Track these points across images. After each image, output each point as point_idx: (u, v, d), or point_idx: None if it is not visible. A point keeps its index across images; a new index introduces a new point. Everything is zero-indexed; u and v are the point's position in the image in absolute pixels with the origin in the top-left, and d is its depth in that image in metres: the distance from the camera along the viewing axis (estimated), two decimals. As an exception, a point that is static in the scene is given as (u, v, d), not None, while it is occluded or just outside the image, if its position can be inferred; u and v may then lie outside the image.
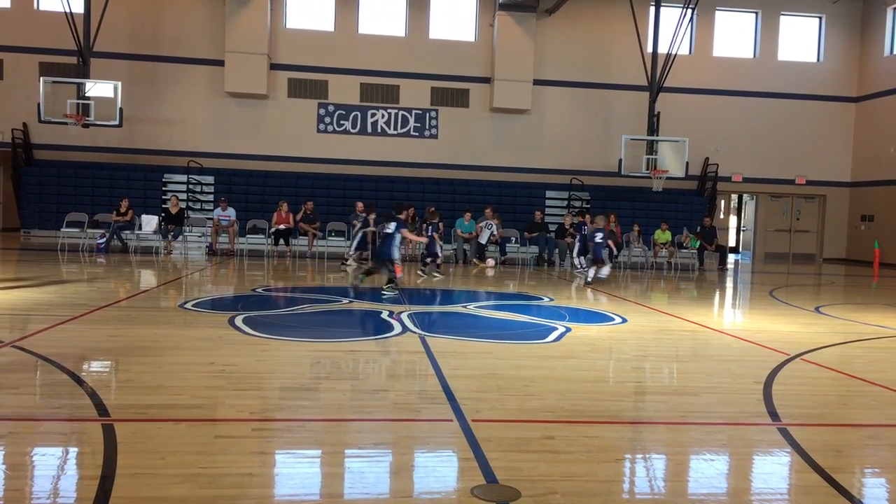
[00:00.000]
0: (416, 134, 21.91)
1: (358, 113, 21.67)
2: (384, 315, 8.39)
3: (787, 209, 24.02)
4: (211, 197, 19.57)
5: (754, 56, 23.46)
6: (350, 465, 3.59)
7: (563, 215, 19.38)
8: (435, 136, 21.92)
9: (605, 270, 12.91)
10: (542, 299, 10.69)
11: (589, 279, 12.73)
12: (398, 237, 10.37)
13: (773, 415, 4.68)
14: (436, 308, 9.88)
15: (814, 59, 23.75)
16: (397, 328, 7.49)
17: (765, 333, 8.14)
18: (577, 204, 20.93)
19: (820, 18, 23.66)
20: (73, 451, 3.68)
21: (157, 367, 5.39)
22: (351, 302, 9.53)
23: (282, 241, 17.08)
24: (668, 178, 20.30)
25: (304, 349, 6.32)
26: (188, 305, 8.61)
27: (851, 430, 4.52)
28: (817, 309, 10.69)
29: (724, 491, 3.49)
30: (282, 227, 17.08)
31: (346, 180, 20.72)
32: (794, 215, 24.02)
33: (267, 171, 20.78)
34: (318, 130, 21.52)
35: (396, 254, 10.31)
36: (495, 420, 4.34)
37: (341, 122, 21.63)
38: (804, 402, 5.15)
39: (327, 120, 21.56)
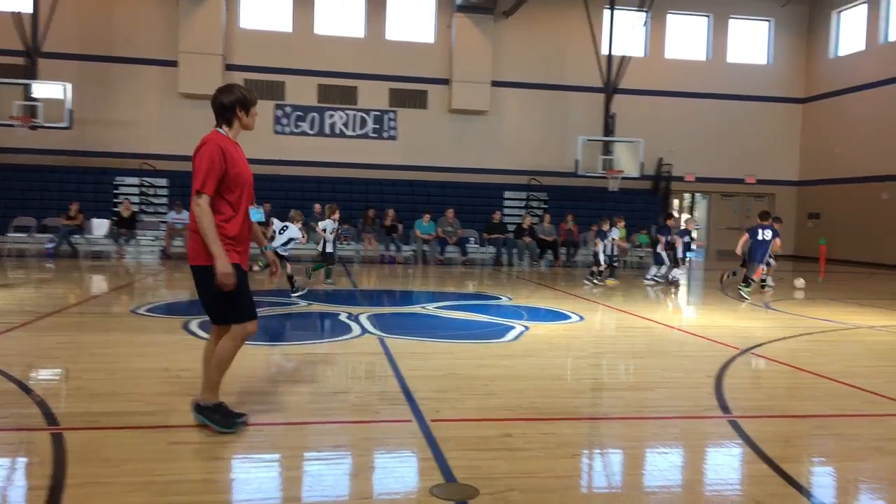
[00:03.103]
0: (375, 135, 21.84)
1: (316, 114, 21.50)
2: (342, 317, 8.35)
3: (738, 207, 24.61)
4: (165, 200, 19.19)
5: (706, 58, 24.00)
6: (309, 468, 3.57)
7: (521, 216, 19.54)
8: (394, 138, 21.88)
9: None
10: (500, 299, 10.76)
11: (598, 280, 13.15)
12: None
13: (725, 408, 4.80)
14: (395, 309, 9.87)
15: (763, 61, 24.40)
16: (356, 330, 7.46)
17: (717, 329, 8.34)
18: (535, 204, 21.12)
19: (769, 22, 24.32)
20: (21, 461, 3.58)
21: (109, 374, 5.28)
22: (309, 305, 9.46)
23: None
24: (623, 178, 20.63)
25: (261, 353, 6.25)
26: (141, 310, 8.44)
27: (799, 421, 4.66)
28: (766, 305, 10.99)
29: (679, 483, 3.57)
30: (238, 229, 16.82)
31: (303, 182, 20.53)
32: (744, 213, 24.63)
33: (223, 173, 20.44)
34: (276, 132, 21.28)
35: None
36: (454, 419, 4.36)
37: (299, 123, 21.43)
38: (754, 394, 5.30)
39: (284, 121, 21.34)
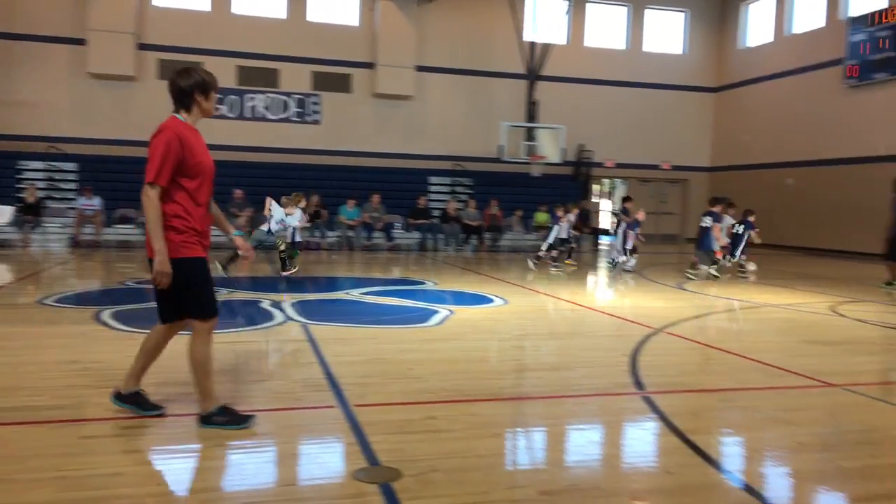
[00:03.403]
0: (298, 119, 21.43)
1: (235, 97, 20.90)
2: (265, 304, 8.21)
3: (654, 193, 25.49)
4: (74, 185, 18.28)
5: (625, 48, 24.63)
6: (230, 457, 3.51)
7: (446, 201, 19.63)
8: (317, 122, 21.52)
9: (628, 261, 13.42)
10: (425, 284, 10.81)
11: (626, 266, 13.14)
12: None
13: (639, 384, 5.00)
14: (319, 296, 9.78)
15: (679, 51, 25.24)
16: (279, 317, 7.36)
17: (633, 309, 8.66)
18: (460, 189, 21.26)
19: (684, 13, 25.16)
20: (-83, 462, 3.37)
21: (12, 367, 5.03)
22: (231, 292, 9.25)
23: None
24: (545, 164, 21.02)
25: (179, 342, 6.06)
26: (48, 301, 8.05)
27: (707, 395, 4.91)
28: (679, 285, 11.46)
29: (596, 457, 3.71)
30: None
31: (223, 167, 19.64)
32: (660, 198, 25.54)
33: (137, 157, 19.62)
34: (193, 115, 20.59)
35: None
36: (379, 404, 4.37)
37: (217, 106, 20.70)
38: (666, 371, 5.53)
39: (202, 104, 20.65)
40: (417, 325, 7.17)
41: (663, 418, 4.25)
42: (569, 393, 4.83)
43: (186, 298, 3.77)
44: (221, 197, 17.91)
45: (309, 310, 8.01)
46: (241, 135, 20.85)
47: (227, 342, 6.18)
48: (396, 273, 12.85)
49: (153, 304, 3.99)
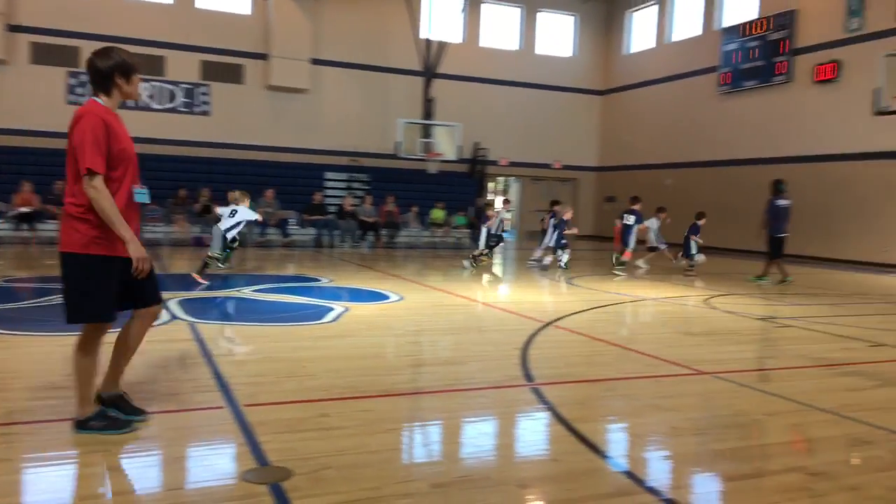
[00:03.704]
0: (186, 110, 20.59)
1: (117, 84, 19.78)
2: (150, 303, 7.84)
3: (546, 191, 26.30)
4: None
5: (518, 48, 25.24)
6: (110, 463, 3.35)
7: (342, 197, 19.45)
8: (207, 113, 20.76)
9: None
10: (320, 280, 10.69)
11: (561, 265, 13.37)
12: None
13: (529, 377, 5.17)
14: (208, 294, 9.45)
15: (568, 53, 26.15)
16: (164, 316, 7.05)
17: (525, 304, 8.92)
18: (357, 185, 21.11)
19: (573, 17, 26.08)
20: None
21: None
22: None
23: (25, 226, 15.20)
24: (442, 161, 21.23)
25: (53, 344, 5.72)
26: None
27: (592, 385, 5.14)
28: (569, 281, 11.91)
29: (487, 448, 3.81)
30: (25, 209, 15.21)
31: (104, 158, 18.87)
32: (551, 197, 26.36)
33: (7, 146, 18.25)
34: (69, 102, 19.32)
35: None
36: (270, 403, 4.30)
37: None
38: (555, 363, 5.75)
39: (79, 90, 19.43)
40: (312, 323, 7.08)
41: (551, 408, 4.42)
42: (462, 387, 4.93)
43: (73, 297, 3.53)
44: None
45: (197, 308, 7.73)
46: (125, 125, 19.77)
47: (109, 343, 5.87)
48: (291, 270, 12.62)
49: (26, 304, 3.74)
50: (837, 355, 6.37)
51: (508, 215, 13.72)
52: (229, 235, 10.38)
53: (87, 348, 3.66)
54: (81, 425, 3.63)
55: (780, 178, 12.69)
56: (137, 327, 3.83)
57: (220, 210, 10.75)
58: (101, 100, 3.59)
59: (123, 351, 3.86)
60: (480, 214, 18.94)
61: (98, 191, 3.37)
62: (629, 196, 14.46)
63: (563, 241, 13.46)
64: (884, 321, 9.12)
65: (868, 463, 3.69)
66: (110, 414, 3.71)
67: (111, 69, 3.56)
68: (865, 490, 3.27)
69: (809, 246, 14.10)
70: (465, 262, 13.22)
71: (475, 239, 14.42)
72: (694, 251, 13.62)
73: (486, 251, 13.74)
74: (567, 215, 13.77)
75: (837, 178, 17.75)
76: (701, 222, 13.81)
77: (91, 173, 3.36)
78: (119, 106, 3.69)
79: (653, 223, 14.42)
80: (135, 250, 3.45)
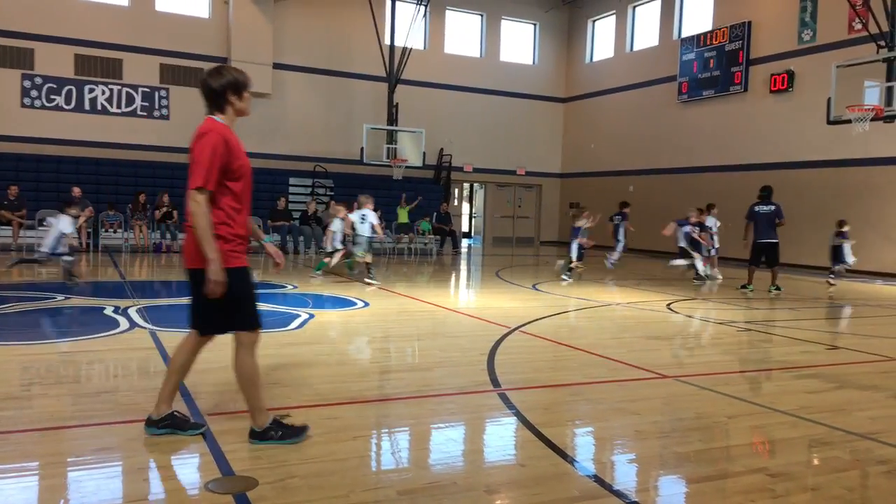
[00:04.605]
0: (144, 113, 20.20)
1: (73, 87, 19.34)
2: (108, 311, 7.68)
3: (511, 197, 26.50)
4: None
5: (481, 56, 25.39)
6: (70, 475, 3.26)
7: (306, 202, 19.29)
8: (166, 117, 20.40)
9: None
10: (285, 287, 10.58)
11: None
12: None
13: (495, 382, 5.19)
14: (169, 301, 9.28)
15: (530, 61, 26.39)
16: (124, 324, 6.91)
17: (491, 310, 8.94)
18: (321, 191, 20.96)
19: (535, 25, 26.34)
20: None
21: None
22: (67, 298, 8.56)
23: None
24: (406, 167, 21.21)
25: (8, 354, 5.55)
26: None
27: (558, 390, 5.18)
28: (534, 286, 11.99)
29: (455, 455, 3.80)
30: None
31: (59, 162, 18.40)
32: (516, 203, 26.58)
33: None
34: (24, 105, 18.81)
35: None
36: (234, 412, 4.22)
37: (52, 96, 19.12)
38: (521, 368, 5.78)
39: (34, 93, 18.92)
40: (276, 330, 6.99)
41: (517, 413, 4.43)
42: (429, 393, 4.92)
43: (234, 311, 3.62)
44: (59, 195, 16.57)
45: (158, 316, 7.58)
46: (80, 129, 19.36)
47: (64, 352, 5.73)
48: (255, 276, 12.44)
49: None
50: (796, 358, 6.52)
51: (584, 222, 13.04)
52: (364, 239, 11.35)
53: (249, 357, 3.70)
54: (261, 436, 3.64)
55: (766, 185, 12.47)
56: (196, 348, 3.88)
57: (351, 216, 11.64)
58: (219, 118, 3.66)
59: (185, 370, 3.90)
60: (443, 219, 18.88)
61: (200, 206, 3.44)
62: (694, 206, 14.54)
63: (580, 251, 12.86)
64: (838, 325, 9.38)
65: (827, 463, 3.78)
66: (283, 421, 3.75)
67: (224, 87, 3.65)
68: (825, 490, 3.35)
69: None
70: (564, 276, 12.68)
71: (441, 244, 14.37)
72: (846, 258, 13.41)
73: (578, 261, 13.04)
74: (580, 222, 13.06)
75: (793, 186, 18.21)
76: (845, 229, 13.56)
77: (199, 190, 3.44)
78: (222, 116, 3.67)
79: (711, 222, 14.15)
80: (215, 272, 3.46)
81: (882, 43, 13.88)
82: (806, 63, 18.16)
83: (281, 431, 3.68)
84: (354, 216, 11.47)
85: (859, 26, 15.98)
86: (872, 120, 13.34)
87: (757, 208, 12.10)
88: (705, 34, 21.03)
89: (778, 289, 11.92)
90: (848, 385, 5.63)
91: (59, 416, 4.04)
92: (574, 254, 12.86)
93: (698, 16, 21.79)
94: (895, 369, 6.26)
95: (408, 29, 21.51)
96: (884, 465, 3.72)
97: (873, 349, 7.13)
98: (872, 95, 14.10)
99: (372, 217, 11.43)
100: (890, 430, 4.34)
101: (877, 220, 16.60)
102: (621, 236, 15.62)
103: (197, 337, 3.80)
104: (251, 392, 3.69)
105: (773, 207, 12.00)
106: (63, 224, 9.84)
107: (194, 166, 3.47)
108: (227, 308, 3.61)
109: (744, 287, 12.07)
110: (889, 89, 13.13)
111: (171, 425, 3.72)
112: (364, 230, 11.36)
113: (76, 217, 10.48)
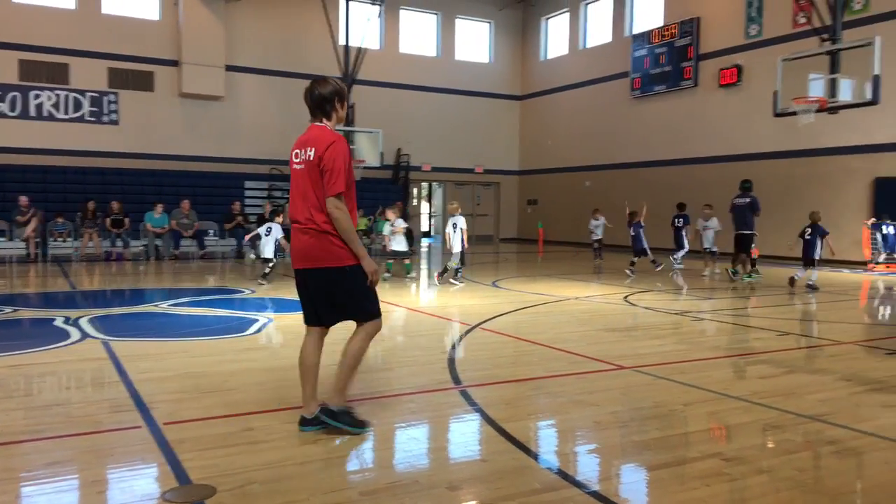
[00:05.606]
0: (93, 119, 19.71)
1: (17, 93, 18.78)
2: (58, 322, 7.47)
3: (470, 195, 26.57)
4: None
5: (436, 55, 25.40)
6: (23, 490, 3.16)
7: (262, 206, 19.05)
8: (115, 122, 19.94)
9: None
10: (243, 292, 10.43)
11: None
12: None
13: (456, 380, 5.20)
14: (122, 310, 9.07)
15: (486, 60, 26.50)
16: (75, 335, 6.73)
17: (451, 308, 8.96)
18: (278, 194, 20.73)
19: (489, 24, 26.45)
20: None
21: None
22: (16, 310, 8.30)
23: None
24: (365, 168, 21.10)
25: (-48, 370, 5.35)
26: None
27: (519, 385, 5.21)
28: (494, 283, 12.05)
29: (417, 453, 3.79)
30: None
31: (3, 171, 17.85)
32: (475, 200, 26.67)
33: None
34: (-35, 111, 18.20)
35: None
36: (191, 420, 4.15)
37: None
38: (482, 365, 5.80)
39: (-24, 99, 18.31)
40: (234, 336, 6.90)
41: (479, 410, 4.45)
42: (390, 392, 4.90)
43: (361, 302, 3.88)
44: (4, 205, 16.06)
45: (110, 325, 7.40)
46: (26, 136, 18.80)
47: (11, 366, 5.55)
48: (211, 282, 12.25)
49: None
50: (748, 345, 6.69)
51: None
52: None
53: (366, 342, 3.98)
54: (333, 415, 3.86)
55: (746, 178, 13.23)
56: (320, 342, 4.08)
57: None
58: (327, 124, 3.90)
59: (318, 367, 4.07)
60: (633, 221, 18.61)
61: (343, 211, 3.69)
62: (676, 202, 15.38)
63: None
64: (789, 312, 9.64)
65: (779, 446, 3.89)
66: (353, 413, 3.93)
67: (332, 95, 3.92)
68: (777, 472, 3.44)
69: (719, 242, 14.75)
70: (627, 271, 13.77)
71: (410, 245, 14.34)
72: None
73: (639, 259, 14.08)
74: (636, 218, 14.50)
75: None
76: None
77: (339, 196, 3.69)
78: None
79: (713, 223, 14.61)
80: (369, 264, 3.79)
81: (825, 36, 14.28)
82: (753, 57, 18.61)
83: (350, 418, 3.89)
84: (448, 228, 11.90)
85: (803, 20, 16.45)
86: (817, 111, 13.71)
87: (735, 200, 12.80)
88: (657, 30, 21.39)
89: (735, 273, 12.59)
90: (798, 370, 5.79)
91: (10, 431, 3.91)
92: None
93: (649, 12, 22.15)
94: (843, 353, 6.46)
95: (363, 29, 21.40)
96: (833, 446, 3.84)
97: (822, 334, 7.35)
98: (817, 88, 14.47)
99: (462, 223, 11.89)
100: (838, 411, 4.48)
101: (826, 210, 17.10)
102: (685, 242, 15.44)
103: (322, 331, 4.04)
104: (348, 373, 3.92)
105: (748, 200, 12.65)
106: (278, 230, 11.23)
107: (333, 174, 3.68)
108: (350, 301, 3.87)
109: (734, 273, 12.70)
110: (832, 81, 13.51)
111: (348, 415, 3.90)
112: (456, 241, 11.71)
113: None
